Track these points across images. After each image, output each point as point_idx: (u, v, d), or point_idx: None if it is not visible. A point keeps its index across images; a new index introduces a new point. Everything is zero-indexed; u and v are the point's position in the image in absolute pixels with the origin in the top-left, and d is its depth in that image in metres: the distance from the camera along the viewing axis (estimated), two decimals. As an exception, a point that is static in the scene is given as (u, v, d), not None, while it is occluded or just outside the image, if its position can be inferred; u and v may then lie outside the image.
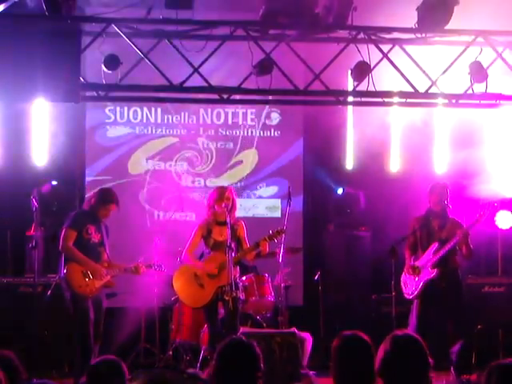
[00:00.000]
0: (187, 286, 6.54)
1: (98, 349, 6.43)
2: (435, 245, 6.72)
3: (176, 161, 8.74)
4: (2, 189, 7.98)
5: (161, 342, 7.44)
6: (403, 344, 3.21)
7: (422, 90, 6.80)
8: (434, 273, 6.67)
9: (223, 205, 6.42)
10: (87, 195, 7.63)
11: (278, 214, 8.78)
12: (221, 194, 6.50)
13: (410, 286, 6.81)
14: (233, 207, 6.50)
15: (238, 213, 8.40)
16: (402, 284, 6.86)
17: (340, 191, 8.76)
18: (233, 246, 6.29)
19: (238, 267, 6.63)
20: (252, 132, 8.88)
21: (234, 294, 6.22)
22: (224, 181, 8.59)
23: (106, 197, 6.53)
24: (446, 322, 6.77)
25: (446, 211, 6.81)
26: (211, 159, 8.80)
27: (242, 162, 8.79)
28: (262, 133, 8.88)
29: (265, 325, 7.15)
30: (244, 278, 7.27)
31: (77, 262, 6.35)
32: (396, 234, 7.25)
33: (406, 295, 6.85)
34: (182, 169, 8.76)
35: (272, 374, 5.61)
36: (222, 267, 6.37)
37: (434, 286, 6.69)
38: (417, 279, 6.75)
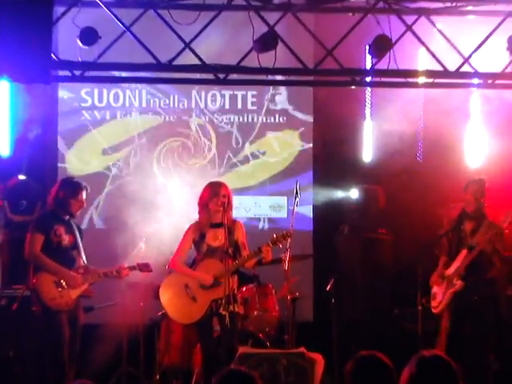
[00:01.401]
0: (177, 299, 6.54)
1: (74, 373, 6.46)
2: (464, 252, 6.74)
3: (162, 151, 8.76)
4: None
5: (146, 365, 7.46)
6: (431, 366, 3.21)
7: (452, 68, 6.81)
8: (457, 285, 6.68)
9: (219, 203, 6.42)
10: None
11: (283, 214, 8.81)
12: (215, 190, 6.50)
13: (438, 297, 6.84)
14: (229, 206, 6.50)
15: (237, 212, 8.43)
16: (431, 295, 6.90)
17: (355, 194, 8.77)
18: (230, 251, 6.29)
19: (237, 276, 6.64)
20: (253, 118, 8.90)
21: (232, 308, 6.21)
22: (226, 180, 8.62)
23: (72, 185, 6.59)
24: (482, 341, 6.79)
25: (482, 212, 6.81)
26: (206, 150, 8.82)
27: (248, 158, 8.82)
28: (264, 119, 8.89)
29: (268, 344, 7.17)
30: (244, 289, 7.29)
31: (47, 271, 6.38)
32: (422, 237, 7.27)
33: (432, 309, 6.88)
34: (171, 161, 8.78)
35: (277, 402, 5.66)
36: (217, 277, 6.37)
37: (463, 300, 6.71)
38: (444, 290, 6.78)
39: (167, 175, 8.74)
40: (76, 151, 8.72)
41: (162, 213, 8.17)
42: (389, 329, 8.16)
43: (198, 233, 6.55)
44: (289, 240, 6.51)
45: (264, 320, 7.35)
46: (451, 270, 6.79)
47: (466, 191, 6.89)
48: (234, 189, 8.32)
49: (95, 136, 8.76)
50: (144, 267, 6.88)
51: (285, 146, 8.94)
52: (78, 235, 6.60)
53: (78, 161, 8.72)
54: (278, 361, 6.07)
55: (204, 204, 6.54)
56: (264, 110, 8.89)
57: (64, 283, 6.38)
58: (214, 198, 6.46)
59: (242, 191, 8.75)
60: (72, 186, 6.58)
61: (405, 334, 7.86)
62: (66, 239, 6.49)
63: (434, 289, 6.90)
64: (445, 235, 6.90)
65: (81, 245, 6.61)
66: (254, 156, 8.92)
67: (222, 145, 8.92)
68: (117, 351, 7.55)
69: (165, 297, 6.61)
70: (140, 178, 8.63)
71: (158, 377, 7.36)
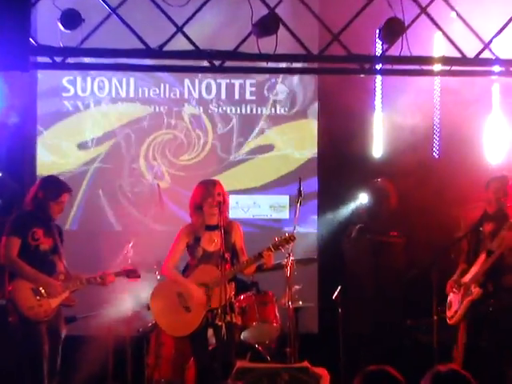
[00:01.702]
0: (169, 309, 6.52)
1: (54, 390, 6.46)
2: (482, 257, 6.73)
3: (151, 145, 8.77)
4: None
5: (134, 381, 7.46)
6: (447, 382, 3.22)
7: (471, 54, 6.80)
8: (475, 293, 6.68)
9: (214, 203, 6.41)
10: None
11: (285, 215, 8.81)
12: (209, 189, 6.48)
13: (454, 307, 6.84)
14: (225, 206, 6.49)
15: (234, 213, 8.43)
16: (447, 305, 6.90)
17: (364, 199, 8.77)
18: (227, 256, 6.29)
19: (234, 284, 6.63)
20: (252, 109, 8.89)
21: (229, 319, 6.19)
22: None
23: (54, 187, 6.54)
24: (502, 353, 6.79)
25: (504, 213, 6.80)
26: (201, 145, 8.82)
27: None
28: (264, 110, 8.89)
29: (268, 358, 7.17)
30: (242, 297, 7.28)
31: (24, 277, 6.35)
32: (437, 240, 7.26)
33: (447, 319, 6.88)
34: (160, 157, 8.79)
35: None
36: (213, 285, 6.35)
37: (481, 310, 6.70)
38: (459, 299, 6.79)
39: (156, 173, 8.76)
40: (55, 144, 8.72)
41: (151, 214, 8.18)
42: (401, 341, 8.17)
43: (191, 236, 6.53)
44: (292, 244, 6.51)
45: (264, 331, 7.35)
46: (468, 277, 6.79)
47: (486, 190, 6.88)
48: (232, 190, 8.41)
49: (75, 127, 8.74)
50: (131, 273, 6.85)
51: (287, 140, 8.93)
52: (58, 238, 6.58)
53: (55, 155, 8.71)
54: (279, 376, 6.07)
55: (197, 205, 6.51)
56: (264, 101, 8.89)
57: (43, 291, 6.36)
58: (209, 198, 6.44)
59: (240, 191, 8.77)
60: (53, 187, 6.53)
61: (419, 346, 7.87)
62: (44, 243, 6.47)
63: (450, 297, 6.90)
64: (463, 238, 6.89)
65: (61, 249, 6.59)
66: (255, 153, 8.91)
67: (219, 140, 8.91)
68: (101, 366, 7.56)
69: (155, 306, 6.59)
70: (124, 176, 8.62)
71: (147, 394, 7.37)
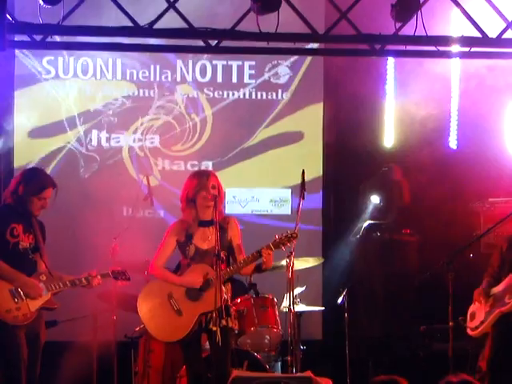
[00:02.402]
0: (158, 312, 6.51)
1: (33, 400, 6.47)
2: None
3: (138, 132, 8.78)
4: None
5: (120, 391, 7.49)
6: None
7: (492, 35, 6.81)
8: (509, 305, 6.69)
9: (209, 196, 6.41)
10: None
11: (287, 210, 8.83)
12: (202, 181, 6.48)
13: (478, 317, 6.84)
14: (220, 199, 6.49)
15: (231, 208, 8.43)
16: (468, 315, 6.91)
17: (376, 200, 8.78)
18: (222, 255, 6.29)
19: (230, 285, 6.64)
20: (251, 94, 8.90)
21: (224, 323, 6.20)
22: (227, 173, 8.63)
23: (37, 181, 6.52)
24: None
25: None
26: (195, 134, 8.83)
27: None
28: (264, 95, 8.90)
29: (268, 367, 7.18)
30: (239, 300, 7.29)
31: (2, 277, 6.35)
32: (453, 239, 7.28)
33: (468, 330, 6.88)
34: (152, 145, 8.80)
35: None
36: (207, 284, 6.37)
37: (509, 320, 6.72)
38: (488, 310, 6.79)
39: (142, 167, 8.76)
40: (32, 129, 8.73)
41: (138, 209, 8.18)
42: (413, 349, 8.18)
43: (182, 233, 6.52)
44: (294, 242, 6.51)
45: (263, 337, 7.37)
46: (501, 288, 6.79)
47: None
48: (230, 183, 8.43)
49: (54, 109, 8.76)
50: (119, 275, 6.85)
51: (291, 129, 8.93)
52: (39, 235, 6.57)
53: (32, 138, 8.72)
54: (280, 387, 6.08)
55: (189, 199, 6.49)
56: (265, 86, 8.90)
57: (22, 292, 6.35)
58: (202, 190, 6.43)
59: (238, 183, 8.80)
60: (35, 181, 6.50)
61: (433, 355, 7.89)
62: (24, 240, 6.45)
63: (474, 307, 6.89)
64: (483, 236, 6.89)
65: (43, 247, 6.59)
66: (258, 144, 8.91)
67: (218, 129, 8.90)
68: (85, 374, 7.56)
69: (144, 309, 6.57)
70: (104, 169, 8.61)
71: (134, 405, 7.40)
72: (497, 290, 6.80)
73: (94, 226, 8.17)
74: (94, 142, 8.83)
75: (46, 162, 8.61)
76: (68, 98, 8.76)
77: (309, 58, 8.73)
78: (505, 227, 7.04)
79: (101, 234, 7.73)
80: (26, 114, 8.68)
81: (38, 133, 8.73)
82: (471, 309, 6.91)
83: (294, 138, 8.93)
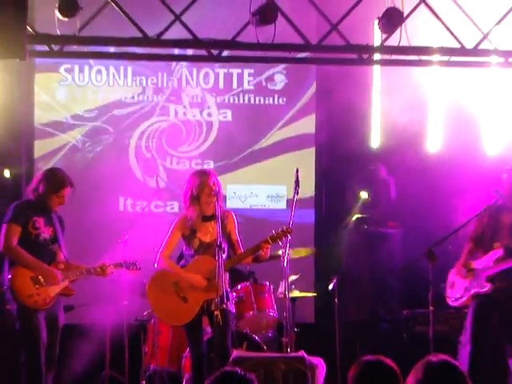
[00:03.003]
0: (165, 299, 6.49)
1: (52, 377, 6.44)
2: (499, 252, 6.72)
3: (145, 134, 8.75)
4: None
5: (131, 369, 7.47)
6: (438, 373, 3.22)
7: (470, 45, 6.78)
8: (485, 288, 6.68)
9: (212, 193, 6.38)
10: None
11: (283, 205, 8.80)
12: (204, 180, 6.45)
13: (459, 289, 6.83)
14: (220, 195, 6.48)
15: (231, 203, 8.40)
16: (447, 282, 6.89)
17: (364, 195, 8.76)
18: (224, 246, 6.26)
19: (229, 273, 6.61)
20: (250, 99, 8.87)
21: (224, 306, 6.13)
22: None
23: (57, 180, 6.51)
24: (506, 342, 6.81)
25: None
26: (203, 135, 8.80)
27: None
28: (262, 100, 8.87)
29: (265, 347, 7.17)
30: (239, 287, 7.28)
31: (24, 265, 6.34)
32: (434, 231, 7.26)
33: (449, 299, 6.87)
34: (155, 147, 8.77)
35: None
36: (211, 276, 6.33)
37: (491, 300, 6.71)
38: (468, 284, 6.78)
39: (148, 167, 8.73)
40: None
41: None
42: (397, 331, 8.17)
43: (187, 228, 6.50)
44: (289, 236, 6.50)
45: (260, 321, 7.37)
46: (479, 265, 6.78)
47: (503, 182, 6.87)
48: (230, 180, 8.40)
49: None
50: (131, 265, 6.85)
51: (287, 131, 8.91)
52: (58, 228, 6.57)
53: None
54: (276, 365, 6.05)
55: (194, 197, 6.45)
56: (261, 90, 8.87)
57: (42, 279, 6.35)
58: (205, 188, 6.41)
59: (238, 181, 8.77)
60: (55, 181, 6.50)
61: (415, 337, 7.88)
62: (45, 232, 6.46)
63: (454, 277, 6.88)
64: (461, 228, 6.87)
65: (62, 238, 6.58)
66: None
67: (224, 133, 8.88)
68: (99, 354, 7.57)
69: (152, 295, 6.56)
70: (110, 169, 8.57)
71: (144, 382, 7.35)
72: (475, 265, 6.79)
73: (107, 221, 8.15)
74: (105, 141, 8.78)
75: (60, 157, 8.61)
76: (82, 100, 8.74)
77: (303, 67, 8.69)
78: None
79: (114, 228, 7.74)
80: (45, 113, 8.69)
81: (53, 129, 8.70)
82: (452, 278, 6.89)
83: (291, 142, 8.89)
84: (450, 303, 6.89)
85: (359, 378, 3.41)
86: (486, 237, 6.84)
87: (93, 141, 8.77)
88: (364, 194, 8.83)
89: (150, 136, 8.83)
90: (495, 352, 6.94)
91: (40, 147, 8.70)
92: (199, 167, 8.57)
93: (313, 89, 8.89)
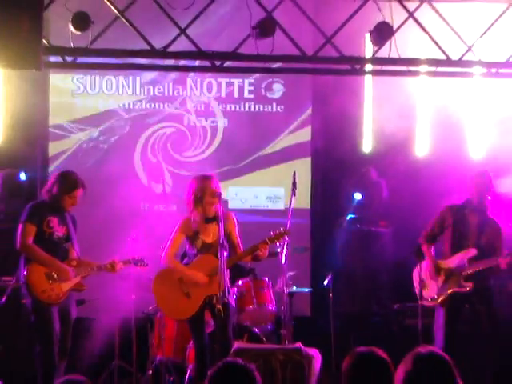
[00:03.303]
0: (170, 294, 6.49)
1: (64, 367, 6.47)
2: (473, 252, 6.74)
3: (150, 139, 8.77)
4: None
5: (139, 360, 7.47)
6: (427, 363, 3.22)
7: (455, 57, 6.82)
8: (468, 288, 6.69)
9: (215, 195, 6.39)
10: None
11: (281, 206, 8.81)
12: (208, 182, 6.45)
13: (431, 288, 6.81)
14: (220, 197, 6.50)
15: (233, 204, 8.41)
16: (414, 282, 6.86)
17: (358, 196, 8.78)
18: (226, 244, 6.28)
19: (232, 269, 6.63)
20: (250, 107, 8.89)
21: (225, 300, 6.10)
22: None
23: (70, 182, 6.53)
24: (480, 334, 6.83)
25: (486, 207, 6.83)
26: (204, 142, 8.81)
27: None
28: (261, 108, 8.89)
29: (264, 339, 7.20)
30: (240, 282, 7.31)
31: (39, 262, 6.37)
32: (421, 230, 7.27)
33: (424, 300, 6.82)
34: (161, 153, 8.80)
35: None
36: (213, 273, 6.36)
37: (462, 295, 6.74)
38: (441, 284, 6.77)
39: (153, 172, 8.74)
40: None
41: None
42: (388, 324, 8.19)
43: (190, 230, 6.50)
44: (286, 238, 6.54)
45: (260, 314, 7.38)
46: (451, 264, 6.77)
47: (470, 184, 6.88)
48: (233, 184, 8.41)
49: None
50: (139, 262, 6.88)
51: (284, 136, 8.93)
52: (71, 226, 6.59)
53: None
54: (275, 356, 6.06)
55: (197, 200, 6.46)
56: (262, 99, 8.89)
57: (56, 276, 6.37)
58: (208, 190, 6.42)
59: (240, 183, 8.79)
60: (67, 183, 6.52)
61: (405, 329, 7.89)
62: (58, 231, 6.48)
63: (423, 278, 6.83)
64: (441, 224, 6.89)
65: (74, 237, 6.61)
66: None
67: (226, 139, 8.88)
68: (109, 345, 7.58)
69: (158, 291, 6.56)
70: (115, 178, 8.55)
71: (150, 372, 7.37)
72: (447, 265, 6.79)
73: (117, 221, 8.17)
74: (115, 146, 8.82)
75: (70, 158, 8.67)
76: (93, 108, 8.77)
77: (299, 77, 8.70)
78: None
79: (123, 227, 7.75)
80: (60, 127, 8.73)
81: (66, 132, 8.75)
82: (417, 275, 6.80)
83: (289, 146, 8.90)
84: (426, 304, 6.82)
85: (352, 368, 3.42)
86: (455, 239, 6.85)
87: (102, 142, 8.78)
88: (358, 195, 8.85)
89: (156, 141, 8.84)
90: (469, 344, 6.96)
91: (53, 149, 8.73)
92: (202, 171, 8.59)
93: (309, 97, 8.91)
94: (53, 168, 8.52)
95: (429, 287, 6.84)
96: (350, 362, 3.45)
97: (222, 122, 8.86)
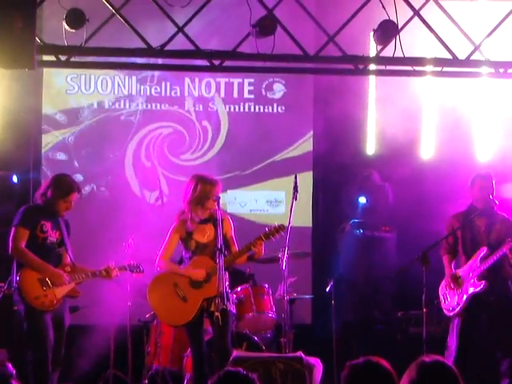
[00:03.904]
0: (166, 300, 6.49)
1: (57, 376, 6.44)
2: (483, 250, 6.74)
3: (145, 140, 8.76)
4: None
5: (134, 369, 7.46)
6: (432, 372, 3.20)
7: (462, 56, 6.80)
8: (481, 285, 6.68)
9: (217, 201, 6.38)
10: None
11: (281, 210, 8.80)
12: (214, 189, 6.44)
13: (452, 299, 6.82)
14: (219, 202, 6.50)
15: (232, 208, 8.41)
16: (440, 297, 6.91)
17: (363, 201, 8.77)
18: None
19: (232, 275, 6.63)
20: (250, 107, 8.88)
21: (224, 306, 6.13)
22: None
23: (64, 186, 6.51)
24: (495, 344, 6.82)
25: (493, 208, 6.84)
26: (208, 142, 8.81)
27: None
28: (261, 108, 8.88)
29: (264, 347, 7.18)
30: (239, 289, 7.29)
31: (32, 268, 6.34)
32: (428, 235, 7.27)
33: (445, 311, 6.88)
34: (157, 155, 8.78)
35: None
36: (209, 274, 6.36)
37: (480, 301, 6.72)
38: (459, 292, 6.78)
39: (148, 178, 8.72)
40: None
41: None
42: (392, 332, 8.17)
43: (183, 231, 6.52)
44: (282, 233, 6.51)
45: (259, 322, 7.37)
46: (466, 270, 6.79)
47: (472, 187, 6.90)
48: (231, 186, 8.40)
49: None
50: (135, 268, 6.86)
51: (285, 136, 8.92)
52: (65, 231, 6.58)
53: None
54: (275, 365, 6.06)
55: (197, 201, 6.47)
56: (262, 100, 8.88)
57: (49, 282, 6.35)
58: (213, 197, 6.40)
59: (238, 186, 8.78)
60: (62, 187, 6.50)
61: (409, 338, 7.88)
62: (52, 235, 6.46)
63: (444, 290, 6.88)
64: (451, 234, 6.91)
65: (68, 242, 6.59)
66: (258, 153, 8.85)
67: (226, 140, 8.90)
68: (103, 354, 7.56)
69: (153, 297, 6.56)
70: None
71: (146, 381, 7.35)
72: (463, 272, 6.80)
73: (111, 226, 8.16)
74: (110, 147, 8.80)
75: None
76: (88, 108, 8.76)
77: (301, 77, 8.70)
78: None
79: (118, 232, 7.74)
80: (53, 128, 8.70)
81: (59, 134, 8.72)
82: (442, 290, 6.89)
83: (293, 153, 8.88)
84: (447, 314, 6.87)
85: (353, 378, 3.35)
86: (466, 246, 6.86)
87: (95, 144, 8.78)
88: (363, 199, 8.85)
89: (151, 142, 8.83)
90: (483, 355, 6.95)
91: (47, 153, 8.72)
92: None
93: (310, 98, 8.90)
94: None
95: (449, 298, 6.87)
96: (349, 371, 3.38)
97: (220, 124, 8.84)
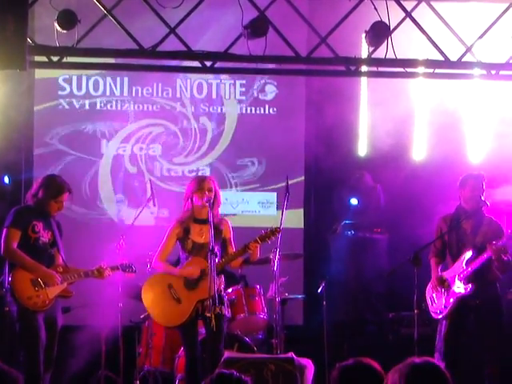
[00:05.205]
0: (160, 300, 6.52)
1: (50, 377, 6.44)
2: (468, 253, 6.75)
3: (147, 143, 8.77)
4: None
5: (125, 369, 7.46)
6: (422, 373, 3.20)
7: (454, 58, 6.83)
8: (468, 288, 6.69)
9: (205, 198, 6.43)
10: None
11: (273, 211, 8.82)
12: (200, 183, 6.51)
13: (439, 302, 6.83)
14: (216, 202, 6.52)
15: (223, 209, 8.41)
16: (427, 300, 6.91)
17: (355, 202, 8.79)
18: (216, 250, 6.30)
19: (223, 277, 6.65)
20: (241, 109, 8.90)
21: (218, 310, 6.18)
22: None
23: (56, 187, 6.51)
24: (482, 346, 6.84)
25: (482, 209, 6.83)
26: (194, 144, 8.81)
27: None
28: (253, 110, 8.90)
29: (255, 348, 7.20)
30: (230, 290, 7.30)
31: (24, 268, 6.34)
32: (419, 236, 7.29)
33: (432, 314, 6.88)
34: (155, 154, 8.78)
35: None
36: (203, 275, 6.38)
37: (466, 304, 6.73)
38: (446, 294, 6.79)
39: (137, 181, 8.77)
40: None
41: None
42: (383, 333, 8.19)
43: (181, 228, 6.56)
44: (278, 236, 6.53)
45: (251, 323, 7.40)
46: (452, 273, 6.80)
47: (462, 187, 6.87)
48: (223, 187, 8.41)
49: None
50: (127, 268, 6.87)
51: (276, 138, 8.93)
52: (56, 232, 6.58)
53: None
54: (266, 366, 6.07)
55: (187, 197, 6.56)
56: (252, 100, 8.90)
57: (41, 282, 6.35)
58: (198, 191, 6.47)
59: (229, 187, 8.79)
60: (53, 187, 6.49)
61: (400, 339, 7.90)
62: (44, 236, 6.45)
63: (431, 293, 6.89)
64: (439, 238, 6.92)
65: (60, 242, 6.59)
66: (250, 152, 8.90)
67: (217, 141, 8.93)
68: (95, 354, 7.56)
69: (147, 298, 6.58)
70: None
71: (138, 382, 7.35)
72: (449, 275, 6.81)
73: (103, 225, 8.16)
74: (103, 150, 8.79)
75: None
76: (80, 109, 8.76)
77: (293, 78, 8.72)
78: None
79: (110, 232, 7.74)
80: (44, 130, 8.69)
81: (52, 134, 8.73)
82: (429, 293, 6.89)
83: (282, 150, 8.91)
84: (435, 316, 6.86)
85: (343, 380, 3.36)
86: (452, 248, 6.87)
87: (89, 146, 8.78)
88: (354, 201, 8.87)
89: (145, 142, 8.84)
90: (470, 358, 6.97)
91: (39, 153, 8.72)
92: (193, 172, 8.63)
93: (302, 99, 8.92)
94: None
95: (436, 301, 6.86)
96: (339, 373, 3.39)
97: (212, 125, 8.86)
